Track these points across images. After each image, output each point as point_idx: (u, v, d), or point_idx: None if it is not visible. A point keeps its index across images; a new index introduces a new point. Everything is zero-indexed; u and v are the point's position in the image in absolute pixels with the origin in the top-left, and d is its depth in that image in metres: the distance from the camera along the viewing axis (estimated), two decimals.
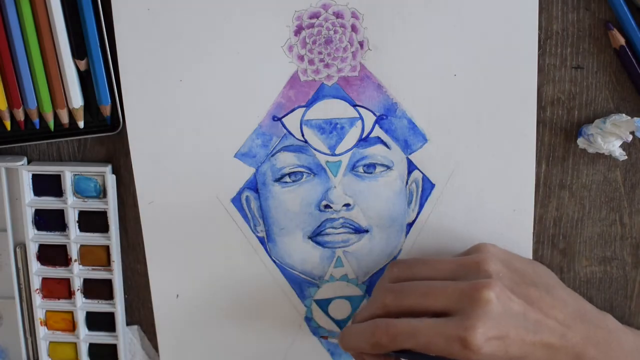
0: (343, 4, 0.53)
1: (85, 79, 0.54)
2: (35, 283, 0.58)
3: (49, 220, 0.57)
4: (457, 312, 0.45)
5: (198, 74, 0.54)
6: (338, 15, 0.53)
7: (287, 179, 0.56)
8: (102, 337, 0.59)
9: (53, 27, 0.52)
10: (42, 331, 0.59)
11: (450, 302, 0.45)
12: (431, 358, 0.46)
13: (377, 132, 0.55)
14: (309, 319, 0.59)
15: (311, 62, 0.54)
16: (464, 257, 0.49)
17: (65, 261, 0.58)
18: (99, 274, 0.58)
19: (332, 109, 0.55)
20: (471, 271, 0.47)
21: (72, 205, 0.56)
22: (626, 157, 0.54)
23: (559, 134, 0.55)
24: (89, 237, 0.57)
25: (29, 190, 0.57)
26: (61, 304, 0.58)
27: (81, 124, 0.54)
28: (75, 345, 0.59)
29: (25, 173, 0.56)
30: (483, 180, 0.56)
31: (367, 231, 0.57)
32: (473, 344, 0.43)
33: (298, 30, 0.53)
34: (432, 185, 0.56)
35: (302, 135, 0.55)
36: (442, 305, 0.45)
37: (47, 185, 0.57)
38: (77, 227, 0.57)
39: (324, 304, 0.58)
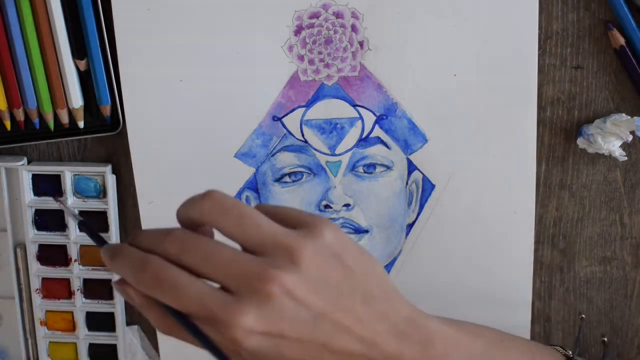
0: (343, 4, 0.53)
1: (85, 79, 0.54)
2: (35, 283, 0.58)
3: (49, 220, 0.57)
4: (232, 292, 0.38)
5: (198, 74, 0.54)
6: (338, 15, 0.53)
7: (287, 179, 0.56)
8: (102, 337, 0.59)
9: (53, 27, 0.52)
10: (42, 331, 0.59)
11: (229, 280, 0.38)
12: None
13: (377, 132, 0.55)
14: None
15: (311, 62, 0.54)
16: (285, 232, 0.39)
17: (65, 261, 0.58)
18: (99, 274, 0.58)
19: (332, 109, 0.55)
20: (278, 254, 0.39)
21: (72, 205, 0.56)
22: (626, 158, 0.54)
23: (559, 134, 0.55)
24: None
25: (29, 190, 0.57)
26: (61, 304, 0.58)
27: (81, 124, 0.54)
28: (75, 345, 0.59)
29: (25, 173, 0.56)
30: (483, 181, 0.56)
31: (367, 231, 0.57)
32: (237, 337, 0.38)
33: (298, 30, 0.53)
34: (432, 186, 0.56)
35: (302, 135, 0.55)
36: (219, 279, 0.39)
37: (47, 185, 0.56)
38: (77, 227, 0.57)
39: None
